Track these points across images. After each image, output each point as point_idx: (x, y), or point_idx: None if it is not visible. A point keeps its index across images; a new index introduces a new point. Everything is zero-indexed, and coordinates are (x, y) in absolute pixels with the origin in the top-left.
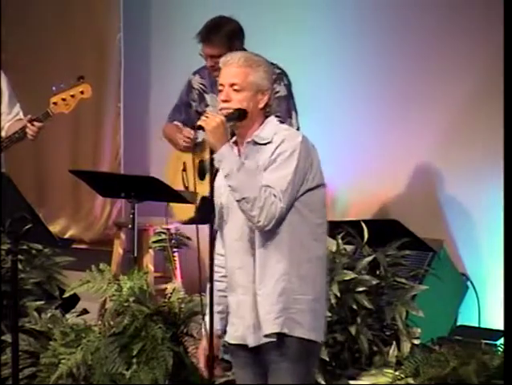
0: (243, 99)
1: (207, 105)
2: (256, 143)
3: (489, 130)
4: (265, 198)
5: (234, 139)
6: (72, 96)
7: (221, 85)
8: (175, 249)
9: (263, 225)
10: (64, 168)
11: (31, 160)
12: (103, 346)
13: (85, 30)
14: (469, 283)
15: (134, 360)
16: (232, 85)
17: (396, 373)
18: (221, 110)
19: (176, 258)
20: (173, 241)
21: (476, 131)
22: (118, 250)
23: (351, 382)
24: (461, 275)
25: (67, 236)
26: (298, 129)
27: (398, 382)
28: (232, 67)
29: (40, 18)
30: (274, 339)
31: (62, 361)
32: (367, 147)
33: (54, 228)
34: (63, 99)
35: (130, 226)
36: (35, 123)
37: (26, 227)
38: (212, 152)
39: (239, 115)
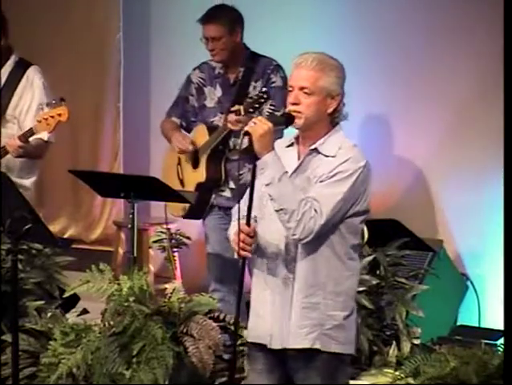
0: (312, 103)
1: (205, 98)
2: (319, 153)
3: (489, 130)
4: (303, 212)
5: (296, 134)
6: (52, 117)
7: (291, 87)
8: (175, 249)
9: (299, 238)
10: (64, 168)
11: None
12: (103, 346)
13: (85, 30)
14: (469, 283)
15: (134, 360)
16: (302, 88)
17: (396, 373)
18: (289, 112)
19: (176, 258)
20: (173, 241)
21: (476, 131)
22: (118, 250)
23: (351, 382)
24: (461, 275)
25: (66, 236)
26: None
27: (398, 382)
28: (303, 70)
29: (40, 18)
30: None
31: (63, 361)
32: (367, 148)
33: (54, 228)
34: (45, 119)
35: (130, 226)
36: (16, 140)
37: (26, 227)
38: (256, 159)
39: (286, 121)
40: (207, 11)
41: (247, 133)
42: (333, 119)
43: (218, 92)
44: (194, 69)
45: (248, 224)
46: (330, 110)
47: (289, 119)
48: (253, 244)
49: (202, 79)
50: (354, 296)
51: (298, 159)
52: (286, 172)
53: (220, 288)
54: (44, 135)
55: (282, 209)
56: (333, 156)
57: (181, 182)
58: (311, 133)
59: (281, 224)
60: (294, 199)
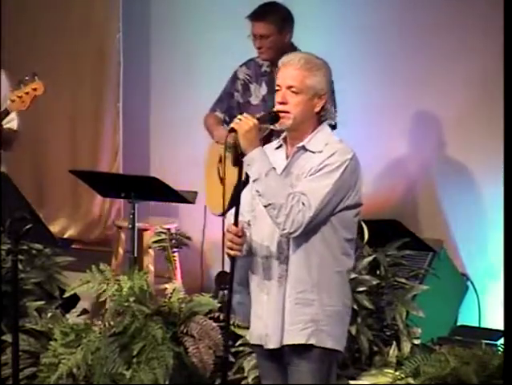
0: (299, 102)
1: (251, 95)
2: (306, 150)
3: (489, 130)
4: (291, 206)
5: (284, 135)
6: (26, 94)
7: (278, 86)
8: (175, 249)
9: (288, 232)
10: (64, 168)
11: (31, 159)
12: (103, 346)
13: (85, 30)
14: (469, 283)
15: (134, 360)
16: (289, 87)
17: (397, 373)
18: (276, 111)
19: (176, 258)
20: (173, 241)
21: (476, 131)
22: (118, 250)
23: (351, 382)
24: (461, 275)
25: (66, 236)
26: None
27: (398, 382)
28: (291, 69)
29: (40, 18)
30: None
31: (63, 361)
32: (367, 148)
33: (54, 228)
34: (19, 97)
35: (130, 226)
36: None
37: (26, 227)
38: (243, 155)
39: (272, 118)
40: (257, 8)
41: (233, 130)
42: (320, 118)
43: (263, 90)
44: (241, 65)
45: (236, 224)
46: (317, 109)
47: (274, 118)
48: (243, 244)
49: (248, 75)
50: (346, 291)
51: (287, 158)
52: (274, 167)
53: (241, 290)
54: (14, 125)
55: (270, 204)
56: (320, 152)
57: (221, 180)
58: (299, 133)
59: (271, 221)
60: (282, 193)
